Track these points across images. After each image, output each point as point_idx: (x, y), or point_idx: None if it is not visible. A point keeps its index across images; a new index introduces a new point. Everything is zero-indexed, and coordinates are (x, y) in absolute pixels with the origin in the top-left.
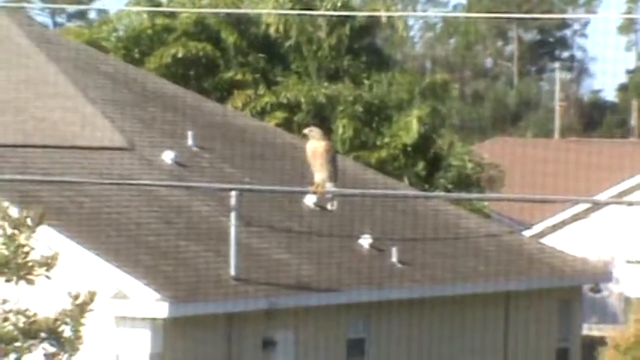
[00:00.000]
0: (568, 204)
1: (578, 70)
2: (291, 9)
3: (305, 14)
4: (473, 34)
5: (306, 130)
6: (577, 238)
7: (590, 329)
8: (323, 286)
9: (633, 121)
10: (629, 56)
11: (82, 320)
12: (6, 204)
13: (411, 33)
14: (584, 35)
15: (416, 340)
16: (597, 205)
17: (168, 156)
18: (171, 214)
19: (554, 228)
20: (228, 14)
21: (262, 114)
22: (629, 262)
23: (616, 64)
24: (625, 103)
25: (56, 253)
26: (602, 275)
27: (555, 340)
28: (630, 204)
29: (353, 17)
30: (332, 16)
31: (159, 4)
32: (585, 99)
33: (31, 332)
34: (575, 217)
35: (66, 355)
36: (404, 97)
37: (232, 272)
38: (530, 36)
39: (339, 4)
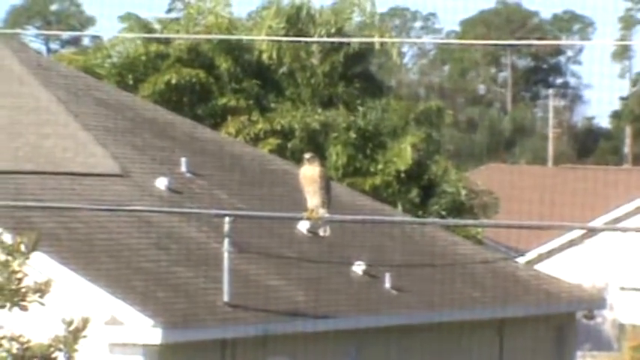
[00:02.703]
0: (562, 231)
1: (572, 96)
2: (285, 36)
3: (298, 41)
4: (467, 61)
5: (307, 155)
6: (571, 265)
7: (584, 356)
8: (317, 313)
9: (627, 148)
10: (623, 83)
11: (76, 346)
12: None
13: (405, 60)
14: (577, 62)
15: None
16: (591, 232)
17: (161, 182)
18: (165, 241)
19: (548, 255)
20: (221, 41)
21: (256, 140)
22: (622, 288)
23: (610, 91)
24: (618, 130)
25: (50, 280)
26: (596, 302)
27: None
28: (624, 231)
29: (347, 44)
30: (325, 42)
31: (153, 31)
32: (579, 126)
33: (24, 359)
34: (569, 244)
35: None
36: (398, 123)
37: (226, 298)
38: (524, 63)
39: (332, 31)
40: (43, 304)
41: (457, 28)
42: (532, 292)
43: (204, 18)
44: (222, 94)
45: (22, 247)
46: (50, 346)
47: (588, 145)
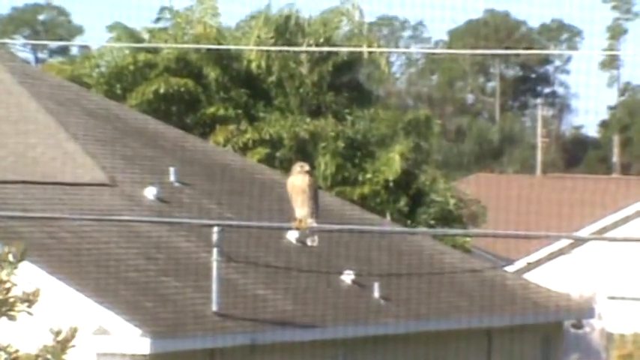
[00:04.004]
0: (550, 240)
1: (560, 106)
2: (273, 45)
3: (287, 50)
4: (455, 71)
5: (304, 165)
6: (559, 274)
7: None
8: (305, 322)
9: (615, 157)
10: (611, 92)
11: (64, 357)
12: None
13: (393, 69)
14: (565, 71)
15: None
16: (579, 242)
17: (150, 192)
18: (153, 250)
19: (536, 264)
20: (210, 50)
21: (244, 150)
22: (610, 297)
23: (598, 101)
24: (606, 139)
25: (38, 289)
26: (584, 311)
27: None
28: (612, 240)
29: (335, 53)
30: (314, 52)
31: (141, 40)
32: (567, 135)
33: None
34: (557, 253)
35: None
36: (386, 133)
37: (214, 308)
38: (512, 72)
39: (321, 41)
40: (31, 314)
41: (445, 38)
42: (520, 301)
43: (193, 27)
44: (211, 104)
45: (10, 257)
46: (38, 356)
47: (576, 155)
